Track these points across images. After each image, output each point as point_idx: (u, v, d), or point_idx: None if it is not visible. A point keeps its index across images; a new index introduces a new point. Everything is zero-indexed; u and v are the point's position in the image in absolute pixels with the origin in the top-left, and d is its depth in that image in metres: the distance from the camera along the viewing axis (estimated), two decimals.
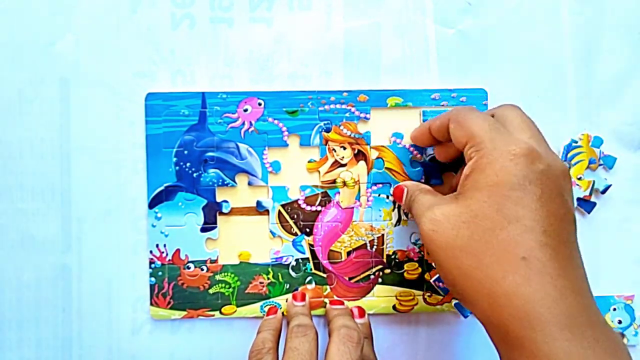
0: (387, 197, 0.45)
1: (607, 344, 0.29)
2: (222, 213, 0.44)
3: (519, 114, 0.35)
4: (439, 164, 0.44)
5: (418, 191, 0.39)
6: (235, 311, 0.44)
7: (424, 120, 0.45)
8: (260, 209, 0.44)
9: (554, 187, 0.31)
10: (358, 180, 0.45)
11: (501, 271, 0.30)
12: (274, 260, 0.45)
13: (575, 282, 0.30)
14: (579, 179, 0.45)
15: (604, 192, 0.45)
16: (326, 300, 0.45)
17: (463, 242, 0.32)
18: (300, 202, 0.45)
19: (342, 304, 0.44)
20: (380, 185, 0.45)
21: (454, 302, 0.45)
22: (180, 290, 0.44)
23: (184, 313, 0.44)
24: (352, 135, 0.45)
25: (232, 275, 0.44)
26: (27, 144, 0.44)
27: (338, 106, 0.44)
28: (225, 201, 0.44)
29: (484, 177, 0.32)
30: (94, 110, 0.44)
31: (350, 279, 0.45)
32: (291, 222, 0.45)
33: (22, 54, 0.44)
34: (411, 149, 0.45)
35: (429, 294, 0.45)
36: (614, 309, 0.45)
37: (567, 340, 0.28)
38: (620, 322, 0.45)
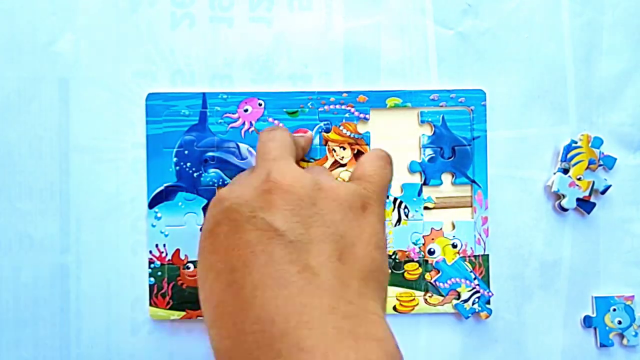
0: (387, 197, 0.45)
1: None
2: None
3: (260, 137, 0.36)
4: (438, 164, 0.44)
5: None
6: None
7: (421, 122, 0.45)
8: None
9: (242, 215, 0.30)
10: None
11: (211, 328, 0.31)
12: None
13: (273, 304, 0.27)
14: (579, 179, 0.45)
15: (603, 192, 0.45)
16: None
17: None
18: None
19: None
20: None
21: (454, 302, 0.45)
22: (180, 290, 0.44)
23: (183, 314, 0.44)
24: (352, 136, 0.45)
25: None
26: (25, 143, 0.44)
27: (338, 107, 0.44)
28: None
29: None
30: (94, 109, 0.44)
31: None
32: None
33: (22, 54, 0.44)
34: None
35: (429, 294, 0.45)
36: (614, 310, 0.45)
37: None
38: (620, 322, 0.45)
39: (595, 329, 0.46)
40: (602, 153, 0.45)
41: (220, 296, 0.29)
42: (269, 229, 0.29)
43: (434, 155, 0.45)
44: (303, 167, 0.43)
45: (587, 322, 0.45)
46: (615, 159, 0.45)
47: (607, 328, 0.45)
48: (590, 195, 0.45)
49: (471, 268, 0.45)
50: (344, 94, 0.44)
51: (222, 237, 0.30)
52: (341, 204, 0.31)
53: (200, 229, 0.43)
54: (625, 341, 0.45)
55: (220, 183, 0.44)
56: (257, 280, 0.28)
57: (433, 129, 0.45)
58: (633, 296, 0.46)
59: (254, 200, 0.30)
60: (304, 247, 0.29)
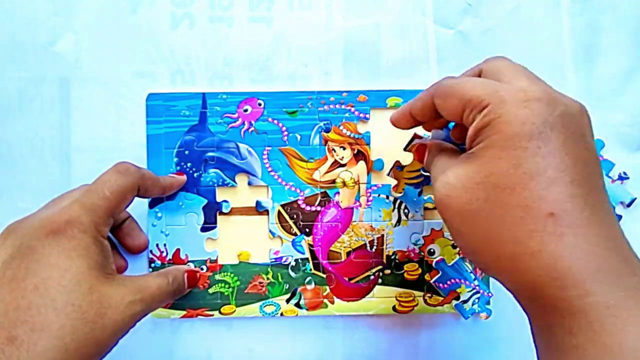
0: (387, 198, 0.45)
1: None
2: (222, 213, 0.44)
3: (509, 63, 0.32)
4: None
5: (438, 152, 0.35)
6: (235, 311, 0.44)
7: None
8: (260, 209, 0.44)
9: (576, 130, 0.28)
10: (358, 181, 0.45)
11: (526, 231, 0.27)
12: (274, 260, 0.45)
13: (609, 230, 0.27)
14: None
15: (629, 205, 0.46)
16: (326, 300, 0.45)
17: (479, 206, 0.29)
18: (299, 202, 0.45)
19: None
20: (380, 186, 0.45)
21: (454, 303, 0.45)
22: None
23: (183, 312, 0.44)
24: (352, 136, 0.45)
25: (232, 275, 0.44)
26: (27, 143, 0.44)
27: (337, 106, 0.44)
28: (225, 201, 0.44)
29: (496, 131, 0.28)
30: (94, 109, 0.44)
31: (349, 279, 0.45)
32: (291, 222, 0.45)
33: (23, 54, 0.44)
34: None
35: (429, 295, 0.45)
36: None
37: (605, 294, 0.26)
38: None
39: None
40: (602, 156, 0.45)
41: (563, 205, 0.27)
42: (595, 153, 0.30)
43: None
44: (305, 167, 0.43)
45: None
46: (614, 165, 0.45)
47: None
48: None
49: (471, 269, 0.45)
50: (344, 94, 0.44)
51: (556, 143, 0.28)
52: None
53: (201, 229, 0.44)
54: None
55: (220, 183, 0.44)
56: (596, 197, 0.28)
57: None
58: None
59: (581, 120, 0.30)
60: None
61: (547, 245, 0.27)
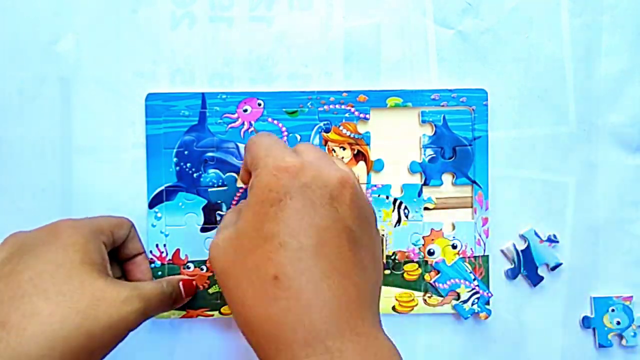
0: (387, 198, 0.45)
1: (359, 351, 0.28)
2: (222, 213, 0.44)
3: (305, 142, 0.35)
4: (438, 165, 0.44)
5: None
6: None
7: (422, 122, 0.45)
8: None
9: (319, 198, 0.30)
10: (358, 181, 0.45)
11: (254, 295, 0.29)
12: None
13: (337, 291, 0.28)
14: None
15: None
16: None
17: (228, 265, 0.30)
18: None
19: None
20: (380, 186, 0.45)
21: (453, 303, 0.45)
22: None
23: (183, 313, 0.44)
24: (352, 136, 0.45)
25: None
26: (27, 143, 0.44)
27: (337, 106, 0.44)
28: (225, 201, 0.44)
29: (252, 195, 0.31)
30: (95, 110, 0.44)
31: None
32: None
33: (23, 54, 0.44)
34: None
35: (428, 295, 0.45)
36: (612, 310, 0.45)
37: (306, 357, 0.27)
38: (618, 323, 0.45)
39: (594, 329, 0.46)
40: None
41: (285, 269, 0.28)
42: (340, 221, 0.30)
43: (434, 155, 0.45)
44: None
45: (586, 322, 0.45)
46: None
47: (605, 328, 0.45)
48: None
49: (471, 269, 0.45)
50: (344, 94, 0.44)
51: (292, 210, 0.29)
52: (374, 222, 0.34)
53: (201, 229, 0.44)
54: (624, 341, 0.45)
55: (219, 183, 0.44)
56: (324, 264, 0.29)
57: (434, 128, 0.45)
58: (632, 297, 0.45)
59: (333, 189, 0.30)
60: (359, 244, 0.31)
61: (267, 309, 0.28)
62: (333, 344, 0.27)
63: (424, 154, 0.45)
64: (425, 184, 0.45)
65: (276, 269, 0.28)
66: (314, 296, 0.28)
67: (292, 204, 0.29)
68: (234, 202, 0.44)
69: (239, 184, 0.44)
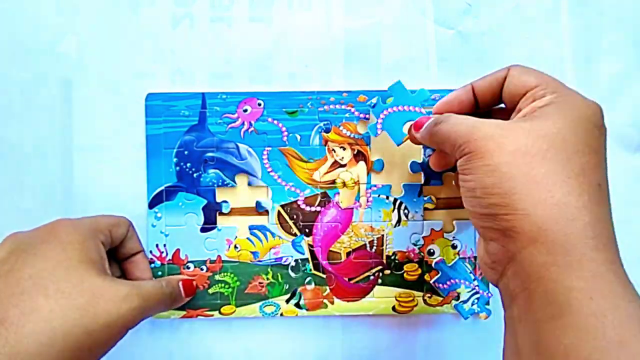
0: (387, 198, 0.45)
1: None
2: (222, 213, 0.44)
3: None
4: None
5: (446, 115, 0.37)
6: (235, 311, 0.44)
7: None
8: (259, 210, 0.44)
9: (604, 140, 0.32)
10: (358, 181, 0.45)
11: (578, 187, 0.30)
12: (274, 260, 0.45)
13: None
14: None
15: None
16: (325, 300, 0.45)
17: (541, 151, 0.30)
18: (299, 202, 0.45)
19: None
20: (380, 186, 0.45)
21: (453, 303, 0.45)
22: None
23: (183, 313, 0.44)
24: (352, 136, 0.45)
25: (232, 276, 0.44)
26: (29, 143, 0.44)
27: (337, 106, 0.44)
28: (225, 201, 0.44)
29: (564, 109, 0.32)
30: (96, 110, 0.44)
31: (349, 279, 0.45)
32: (290, 222, 0.45)
33: (25, 55, 0.44)
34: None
35: (428, 295, 0.45)
36: None
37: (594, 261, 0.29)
38: None
39: None
40: None
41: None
42: None
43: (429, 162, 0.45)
44: (305, 168, 0.43)
45: None
46: None
47: None
48: None
49: (471, 269, 0.45)
50: (344, 94, 0.44)
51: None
52: None
53: (201, 229, 0.44)
54: None
55: (220, 183, 0.44)
56: None
57: None
58: None
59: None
60: None
61: (586, 205, 0.30)
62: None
63: (424, 154, 0.45)
64: (425, 183, 0.45)
65: (601, 179, 0.31)
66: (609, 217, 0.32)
67: (600, 136, 0.32)
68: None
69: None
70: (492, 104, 0.38)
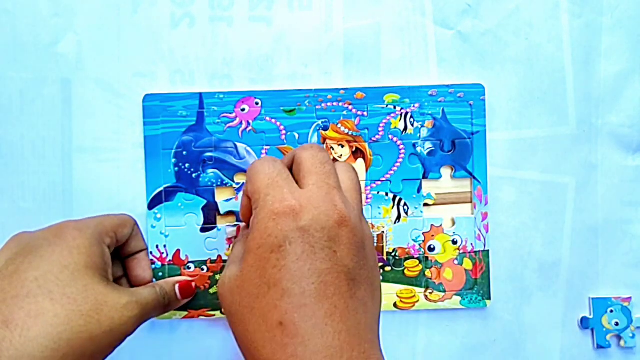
0: (386, 195, 0.45)
1: None
2: (220, 214, 0.44)
3: (312, 155, 0.34)
4: (438, 158, 0.45)
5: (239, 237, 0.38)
6: None
7: (421, 115, 0.44)
8: None
9: (318, 241, 0.30)
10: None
11: (261, 339, 0.29)
12: None
13: (340, 332, 0.29)
14: None
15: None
16: None
17: (236, 308, 0.31)
18: None
19: None
20: (379, 183, 0.45)
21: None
22: None
23: (184, 313, 0.44)
24: (350, 133, 0.45)
25: None
26: (28, 143, 0.44)
27: (335, 104, 0.44)
28: (225, 201, 0.44)
29: (252, 239, 0.31)
30: (95, 110, 0.44)
31: None
32: None
33: (24, 55, 0.44)
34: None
35: (429, 291, 0.45)
36: (611, 311, 0.45)
37: None
38: (617, 324, 0.45)
39: (592, 330, 0.46)
40: None
41: (290, 316, 0.29)
42: (339, 262, 0.30)
43: (433, 148, 0.45)
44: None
45: (584, 323, 0.45)
46: None
47: (604, 329, 0.45)
48: None
49: (472, 265, 0.45)
50: (342, 91, 0.44)
51: (292, 256, 0.30)
52: (373, 250, 0.34)
53: (201, 229, 0.44)
54: (622, 343, 0.45)
55: (218, 183, 0.44)
56: (327, 307, 0.29)
57: (433, 121, 0.45)
58: (630, 298, 0.45)
59: (331, 230, 0.30)
60: (358, 281, 0.31)
61: (275, 354, 0.28)
62: None
63: (423, 147, 0.45)
64: (424, 177, 0.45)
65: (282, 316, 0.29)
66: (320, 340, 0.28)
67: (291, 249, 0.30)
68: None
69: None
70: None
